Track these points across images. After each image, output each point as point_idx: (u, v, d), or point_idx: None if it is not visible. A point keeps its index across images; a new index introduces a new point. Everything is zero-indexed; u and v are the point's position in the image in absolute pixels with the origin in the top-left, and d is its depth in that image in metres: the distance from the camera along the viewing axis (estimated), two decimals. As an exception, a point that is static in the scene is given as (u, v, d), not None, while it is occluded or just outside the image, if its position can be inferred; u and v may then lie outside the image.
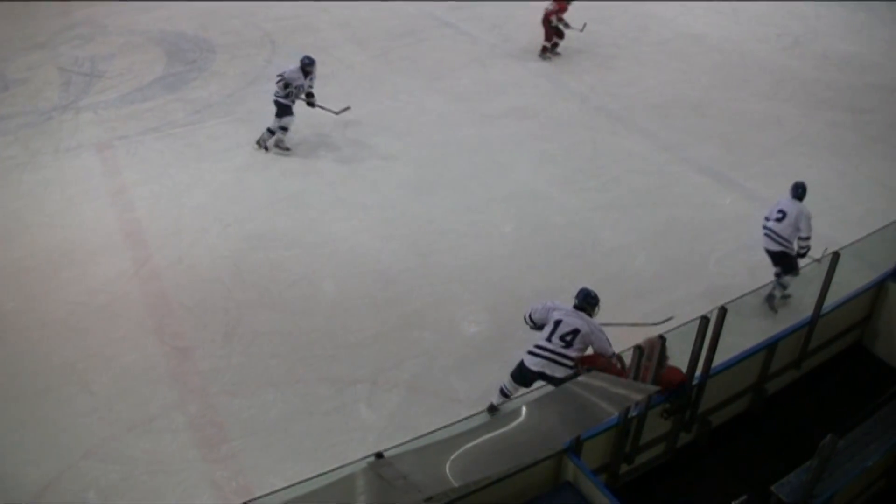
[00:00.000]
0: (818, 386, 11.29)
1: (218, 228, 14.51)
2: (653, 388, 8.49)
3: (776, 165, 17.94)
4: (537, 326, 10.32)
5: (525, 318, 10.47)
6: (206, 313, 12.48)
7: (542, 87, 20.75)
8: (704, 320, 8.82)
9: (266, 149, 17.26)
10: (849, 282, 11.52)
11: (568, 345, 9.90)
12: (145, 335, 12.02)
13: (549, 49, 23.17)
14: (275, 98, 16.95)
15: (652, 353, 8.83)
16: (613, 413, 7.77)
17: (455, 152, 17.41)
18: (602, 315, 10.33)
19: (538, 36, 23.12)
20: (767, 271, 12.69)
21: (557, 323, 10.04)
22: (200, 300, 12.76)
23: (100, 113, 18.50)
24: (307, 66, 16.91)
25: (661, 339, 8.72)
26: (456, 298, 13.11)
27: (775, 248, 12.76)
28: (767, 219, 13.01)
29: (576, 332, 9.93)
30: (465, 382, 11.41)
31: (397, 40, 23.08)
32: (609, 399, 6.83)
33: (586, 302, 10.22)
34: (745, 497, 7.04)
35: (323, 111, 17.39)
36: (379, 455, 6.31)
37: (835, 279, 10.61)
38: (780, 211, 12.82)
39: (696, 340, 8.93)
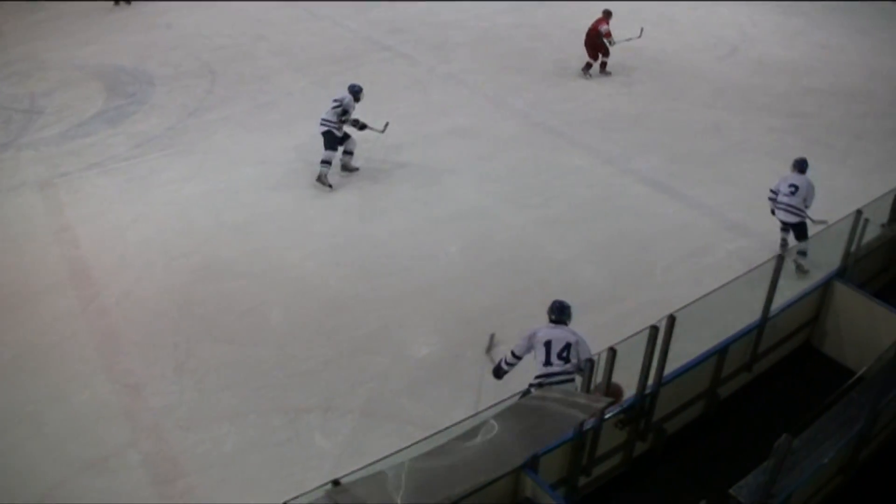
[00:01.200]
0: (770, 387, 11.39)
1: (164, 262, 14.38)
2: (606, 401, 8.51)
3: (718, 173, 18.12)
4: (519, 359, 10.22)
5: (502, 365, 10.38)
6: (156, 348, 12.35)
7: (482, 107, 20.79)
8: (654, 330, 8.86)
9: (330, 186, 16.97)
10: (795, 284, 11.63)
11: (566, 360, 9.84)
12: (95, 373, 11.86)
13: (602, 67, 23.86)
14: (328, 128, 16.80)
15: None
16: (570, 427, 7.79)
17: (398, 175, 17.37)
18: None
19: (476, 56, 23.29)
20: (714, 278, 12.70)
21: (548, 343, 9.90)
22: (149, 335, 12.63)
23: (41, 150, 18.30)
24: (359, 94, 17.15)
25: (612, 351, 8.75)
26: (405, 321, 13.07)
27: (793, 219, 14.40)
28: (775, 193, 14.63)
29: (568, 345, 9.87)
30: (419, 405, 11.38)
31: (336, 65, 23.05)
32: (564, 414, 6.85)
33: (563, 314, 10.18)
34: (703, 502, 7.06)
35: (371, 131, 17.43)
36: (336, 482, 6.28)
37: (781, 282, 10.71)
38: (792, 185, 14.40)
39: (646, 350, 8.97)
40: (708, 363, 10.46)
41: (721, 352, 10.53)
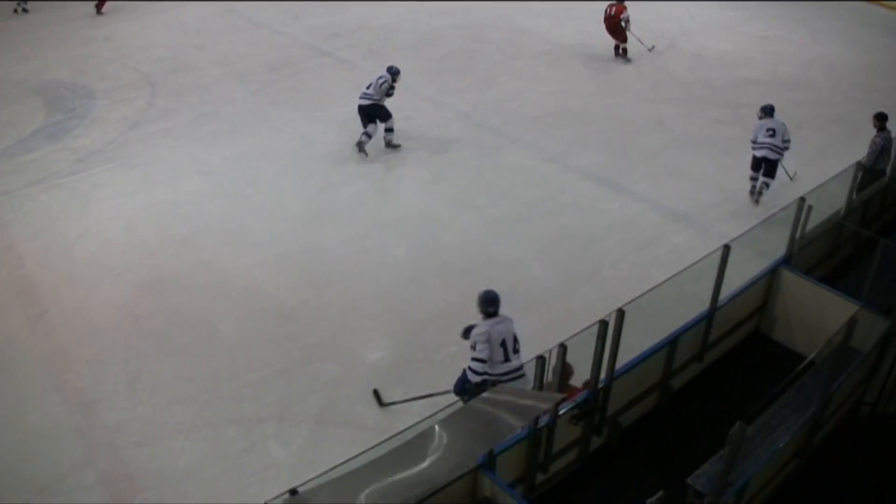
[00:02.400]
0: (722, 376, 11.46)
1: (111, 277, 14.22)
2: (559, 397, 8.52)
3: (661, 166, 18.25)
4: (486, 363, 10.10)
5: (471, 378, 10.21)
6: (107, 365, 12.21)
7: (424, 109, 20.77)
8: (603, 324, 8.89)
9: (366, 153, 18.30)
10: (742, 272, 11.71)
11: (518, 353, 10.10)
12: (47, 393, 11.71)
13: (623, 53, 25.34)
14: (371, 102, 18.22)
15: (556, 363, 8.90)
16: (523, 425, 7.78)
17: (342, 180, 17.32)
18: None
19: (417, 59, 23.30)
20: (662, 271, 12.81)
21: (504, 343, 10.06)
22: (99, 352, 12.47)
23: (-19, 169, 18.10)
24: (398, 75, 18.52)
25: (563, 347, 8.77)
26: (355, 327, 13.04)
27: (775, 157, 16.76)
28: (755, 140, 16.96)
29: (515, 337, 10.13)
30: (373, 410, 11.35)
31: (276, 73, 22.94)
32: (517, 411, 6.84)
33: (498, 303, 10.28)
34: (661, 493, 7.08)
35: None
36: (293, 491, 6.24)
37: (728, 270, 10.78)
38: (769, 129, 16.74)
39: (596, 345, 8.99)
40: (659, 355, 10.50)
41: (671, 343, 10.57)
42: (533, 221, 16.00)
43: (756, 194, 17.06)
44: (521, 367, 10.12)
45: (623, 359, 9.63)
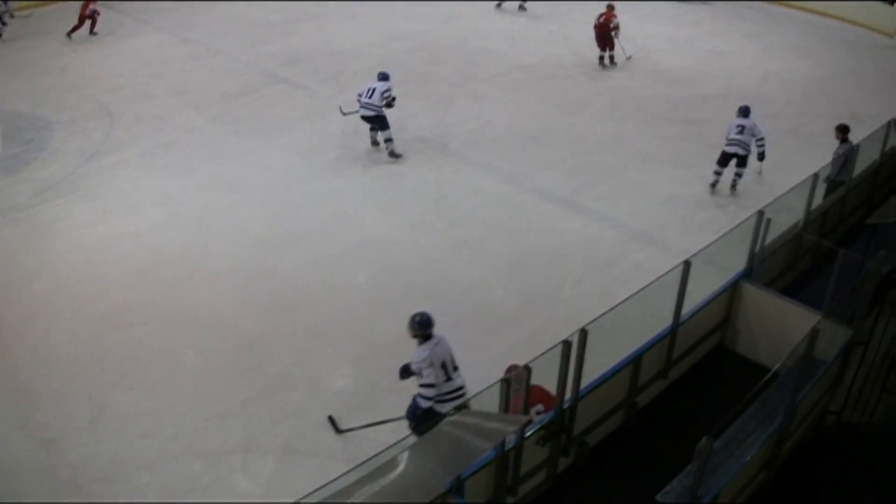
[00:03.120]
0: (688, 391, 11.50)
1: (72, 311, 14.08)
2: (524, 419, 8.53)
3: (620, 184, 18.35)
4: (436, 386, 10.20)
5: (421, 403, 10.36)
6: (70, 400, 12.09)
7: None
8: (567, 344, 8.89)
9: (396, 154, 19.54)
10: (703, 287, 11.76)
11: (457, 369, 10.25)
12: (10, 431, 11.58)
13: (610, 60, 26.43)
14: (374, 113, 19.03)
15: (519, 383, 8.89)
16: (489, 448, 7.76)
17: (302, 207, 17.27)
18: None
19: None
20: (623, 289, 12.73)
21: (444, 365, 10.17)
22: (62, 388, 12.33)
23: (-61, 203, 17.90)
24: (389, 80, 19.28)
25: (527, 369, 8.77)
26: (319, 354, 12.99)
27: (742, 152, 17.97)
28: (727, 136, 18.08)
29: (452, 355, 10.23)
30: (340, 439, 11.31)
31: (234, 101, 22.84)
32: (483, 435, 6.83)
33: (433, 325, 10.33)
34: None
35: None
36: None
37: (689, 286, 10.83)
38: (739, 126, 17.96)
39: (561, 365, 8.99)
40: (623, 373, 10.53)
41: (635, 360, 10.60)
42: (494, 243, 16.02)
43: (732, 187, 18.44)
44: (463, 386, 10.31)
45: (588, 378, 9.64)
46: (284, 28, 29.57)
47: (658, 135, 21.22)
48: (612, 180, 18.65)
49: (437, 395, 10.18)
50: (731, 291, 12.13)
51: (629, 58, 26.85)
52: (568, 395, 9.39)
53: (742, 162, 18.15)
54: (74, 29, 27.96)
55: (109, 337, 13.43)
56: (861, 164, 16.22)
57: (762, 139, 18.08)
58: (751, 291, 12.05)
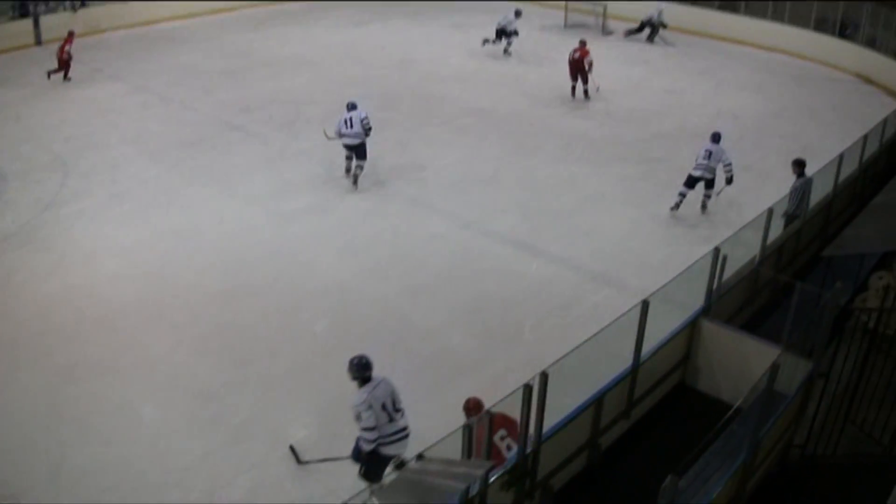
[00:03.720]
0: (651, 430, 11.50)
1: (29, 364, 13.82)
2: (488, 464, 8.45)
3: (575, 225, 18.41)
4: (376, 429, 10.17)
5: (363, 446, 10.34)
6: (28, 456, 11.87)
7: (337, 181, 20.66)
8: (528, 388, 8.85)
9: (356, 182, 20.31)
10: (663, 325, 11.76)
11: (402, 412, 10.35)
12: (-34, 489, 11.42)
13: (585, 94, 27.70)
14: (359, 141, 19.94)
15: (478, 411, 8.88)
16: (460, 488, 7.69)
17: (258, 255, 17.16)
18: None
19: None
20: (583, 330, 12.61)
21: (384, 406, 10.17)
22: (21, 442, 12.07)
23: None
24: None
25: (489, 414, 8.74)
26: (279, 404, 12.84)
27: (709, 176, 18.97)
28: (697, 160, 19.00)
29: (394, 395, 10.33)
30: (303, 489, 11.16)
31: (189, 149, 22.70)
32: (451, 478, 6.78)
33: (371, 368, 10.37)
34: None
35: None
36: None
37: (649, 325, 10.83)
38: (707, 151, 18.95)
39: (522, 409, 8.94)
40: (585, 414, 10.49)
41: (597, 402, 10.57)
42: (451, 288, 15.98)
43: (702, 208, 19.45)
44: (406, 427, 10.34)
45: (550, 420, 9.59)
46: (238, 76, 29.62)
47: (613, 174, 21.34)
48: (568, 221, 18.70)
49: (380, 438, 10.16)
50: (690, 329, 12.15)
51: (598, 89, 27.70)
52: (531, 438, 9.33)
53: (709, 185, 19.12)
54: (57, 72, 28.16)
55: (67, 390, 13.21)
56: (815, 197, 16.43)
57: (730, 164, 18.93)
58: (710, 328, 12.09)
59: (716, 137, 19.26)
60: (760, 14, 37.57)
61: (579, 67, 27.35)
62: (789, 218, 16.08)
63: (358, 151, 20.18)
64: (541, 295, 15.73)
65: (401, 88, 28.33)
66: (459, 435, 8.41)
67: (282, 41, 34.72)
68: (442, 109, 26.21)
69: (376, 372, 10.41)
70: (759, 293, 14.29)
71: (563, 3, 38.32)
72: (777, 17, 36.96)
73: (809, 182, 16.20)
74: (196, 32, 35.27)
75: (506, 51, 33.08)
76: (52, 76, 27.99)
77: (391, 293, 15.85)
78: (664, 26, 36.02)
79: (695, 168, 19.02)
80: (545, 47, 33.73)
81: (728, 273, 12.41)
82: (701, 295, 12.23)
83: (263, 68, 30.54)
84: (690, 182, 19.07)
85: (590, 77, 27.36)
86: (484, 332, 14.58)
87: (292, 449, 11.62)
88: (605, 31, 35.55)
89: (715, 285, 12.12)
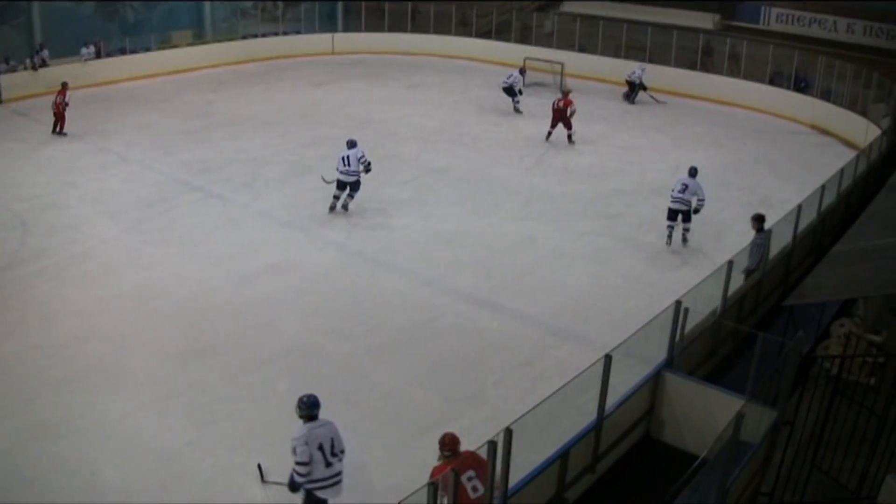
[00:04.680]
0: (617, 484, 11.48)
1: (-16, 428, 13.72)
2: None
3: (536, 281, 18.46)
4: (308, 465, 10.41)
5: (296, 479, 10.54)
6: (-13, 520, 11.75)
7: (297, 241, 20.68)
8: (492, 445, 8.80)
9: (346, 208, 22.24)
10: (626, 379, 11.77)
11: (339, 457, 10.59)
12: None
13: (569, 139, 29.46)
14: (354, 178, 21.82)
15: (446, 486, 8.78)
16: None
17: (219, 316, 17.04)
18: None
19: (287, 191, 23.36)
20: (546, 386, 12.63)
21: (321, 447, 10.42)
22: (-22, 506, 11.99)
23: None
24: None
25: (454, 472, 8.68)
26: (241, 465, 12.64)
27: (684, 208, 20.25)
28: (673, 191, 20.36)
29: (333, 440, 10.53)
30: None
31: (149, 210, 22.59)
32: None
33: (317, 407, 10.69)
34: None
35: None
36: None
37: (612, 379, 10.83)
38: (684, 184, 20.26)
39: (488, 466, 8.90)
40: (551, 469, 10.46)
41: (562, 456, 10.54)
42: (413, 347, 15.91)
43: (682, 241, 20.64)
44: (340, 473, 10.57)
45: (516, 476, 9.54)
46: (198, 136, 29.69)
47: (573, 231, 21.44)
48: (529, 278, 18.74)
49: (311, 478, 10.38)
50: (654, 382, 12.18)
51: (572, 136, 29.48)
52: (497, 495, 9.27)
53: (686, 217, 20.40)
54: (59, 125, 29.00)
55: (27, 451, 13.02)
56: (775, 248, 16.54)
57: (703, 199, 20.29)
58: (673, 381, 12.12)
59: (692, 172, 20.50)
60: (717, 70, 38.19)
61: (562, 115, 29.08)
62: (749, 273, 16.16)
63: (352, 186, 21.94)
64: (504, 351, 15.70)
65: (365, 148, 28.35)
66: (424, 493, 8.34)
67: (241, 102, 34.95)
68: (402, 169, 26.22)
69: (343, 429, 10.37)
70: (721, 344, 14.36)
71: (521, 63, 38.67)
72: (733, 72, 37.58)
73: (768, 237, 16.30)
74: (156, 92, 35.36)
75: (516, 109, 33.97)
76: (61, 131, 28.90)
77: (353, 352, 15.78)
78: (644, 88, 36.60)
79: (672, 201, 20.34)
80: (505, 106, 33.95)
81: (690, 325, 12.47)
82: (664, 348, 12.27)
83: (223, 129, 30.66)
84: (671, 215, 20.41)
85: (573, 123, 29.21)
86: (447, 390, 14.52)
87: (259, 468, 11.87)
88: (563, 89, 35.85)
89: (677, 338, 12.16)
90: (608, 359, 10.83)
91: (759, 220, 16.82)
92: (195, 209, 22.88)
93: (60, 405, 14.14)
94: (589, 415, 11.17)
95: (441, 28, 46.43)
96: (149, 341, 16.13)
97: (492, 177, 25.77)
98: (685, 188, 20.15)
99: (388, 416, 13.58)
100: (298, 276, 18.79)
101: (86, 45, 37.63)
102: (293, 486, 10.62)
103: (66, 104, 28.98)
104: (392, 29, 46.55)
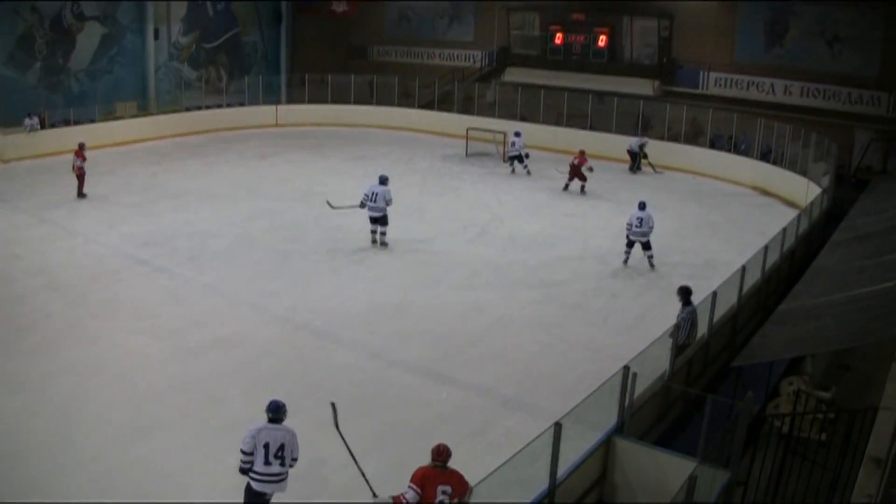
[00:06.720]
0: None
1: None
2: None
3: (483, 350, 18.47)
4: (251, 455, 11.68)
5: (243, 465, 11.75)
6: None
7: (243, 314, 20.55)
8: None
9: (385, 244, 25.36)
10: (577, 446, 11.77)
11: (282, 461, 11.62)
12: None
13: (581, 188, 33.03)
14: (381, 213, 25.17)
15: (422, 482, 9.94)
16: None
17: (165, 391, 16.81)
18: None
19: (233, 264, 23.29)
20: (496, 456, 12.59)
21: (266, 446, 11.56)
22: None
23: None
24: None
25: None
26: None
27: (644, 239, 23.47)
28: (630, 225, 23.64)
29: (282, 446, 11.59)
30: None
31: (94, 283, 22.38)
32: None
33: (280, 412, 11.99)
34: None
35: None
36: None
37: (563, 446, 10.82)
38: (639, 218, 23.43)
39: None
40: (505, 539, 10.43)
41: (516, 526, 10.51)
42: (360, 419, 15.75)
43: (650, 267, 23.75)
44: (280, 475, 11.71)
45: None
46: (143, 209, 29.62)
47: (518, 299, 21.52)
48: (477, 347, 18.75)
49: (251, 468, 11.68)
50: (605, 448, 12.21)
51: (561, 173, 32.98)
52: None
53: (646, 245, 23.65)
54: (80, 188, 30.16)
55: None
56: (720, 309, 16.66)
57: (651, 227, 23.57)
58: (624, 446, 12.16)
59: (642, 206, 23.75)
60: (656, 135, 38.77)
61: (577, 171, 32.90)
62: (680, 348, 15.92)
63: (381, 220, 25.18)
64: (453, 421, 15.63)
65: (306, 220, 28.41)
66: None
67: (186, 174, 35.10)
68: (346, 241, 26.23)
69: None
70: (671, 407, 14.44)
71: (464, 133, 39.00)
72: (672, 136, 38.18)
73: (695, 311, 16.24)
74: (100, 164, 35.00)
75: (528, 172, 35.79)
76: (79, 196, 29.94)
77: (301, 426, 15.50)
78: (645, 156, 37.58)
79: (630, 234, 23.64)
80: (448, 177, 34.21)
81: (639, 389, 12.53)
82: (614, 413, 12.30)
83: (168, 201, 30.61)
84: (630, 244, 23.83)
85: (588, 176, 32.94)
86: (396, 462, 14.38)
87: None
88: (506, 158, 36.19)
89: (627, 403, 12.21)
90: (558, 426, 10.85)
91: (685, 293, 16.62)
92: (140, 282, 22.70)
93: (5, 482, 13.90)
94: (541, 483, 11.15)
95: (384, 99, 46.84)
96: (94, 416, 15.90)
97: (437, 247, 25.91)
98: (641, 221, 23.39)
99: (336, 490, 13.50)
100: (245, 350, 18.62)
101: (29, 115, 37.68)
102: (241, 470, 11.74)
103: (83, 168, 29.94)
104: (335, 100, 46.85)
